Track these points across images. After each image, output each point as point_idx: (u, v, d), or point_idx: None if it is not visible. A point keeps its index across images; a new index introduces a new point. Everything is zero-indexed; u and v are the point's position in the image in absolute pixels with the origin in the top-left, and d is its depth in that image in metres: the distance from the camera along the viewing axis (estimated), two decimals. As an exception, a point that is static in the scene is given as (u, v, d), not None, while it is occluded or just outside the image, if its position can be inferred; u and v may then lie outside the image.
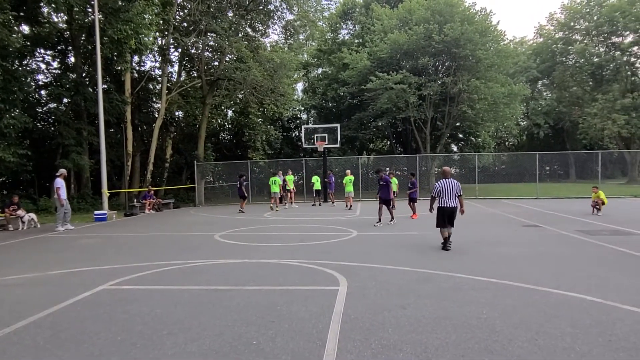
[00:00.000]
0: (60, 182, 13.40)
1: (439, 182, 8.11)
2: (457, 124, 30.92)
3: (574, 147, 43.81)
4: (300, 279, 6.15)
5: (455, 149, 40.91)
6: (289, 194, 20.44)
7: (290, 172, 21.57)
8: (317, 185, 21.32)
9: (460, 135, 37.51)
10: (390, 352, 3.59)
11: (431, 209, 8.50)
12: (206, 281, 6.15)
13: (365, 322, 4.29)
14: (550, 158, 42.49)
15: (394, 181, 15.03)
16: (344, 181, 18.81)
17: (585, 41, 39.64)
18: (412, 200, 14.29)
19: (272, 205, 18.74)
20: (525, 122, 47.08)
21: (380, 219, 12.30)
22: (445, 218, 8.05)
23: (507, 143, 54.81)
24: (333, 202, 21.33)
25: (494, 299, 4.97)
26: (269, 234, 11.10)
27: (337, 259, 7.43)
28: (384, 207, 12.36)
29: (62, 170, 14.07)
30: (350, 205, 18.40)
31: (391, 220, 12.41)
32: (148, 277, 6.51)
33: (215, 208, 21.36)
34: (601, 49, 39.58)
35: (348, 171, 19.09)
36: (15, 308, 5.07)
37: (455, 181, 8.01)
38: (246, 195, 19.00)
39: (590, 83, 41.11)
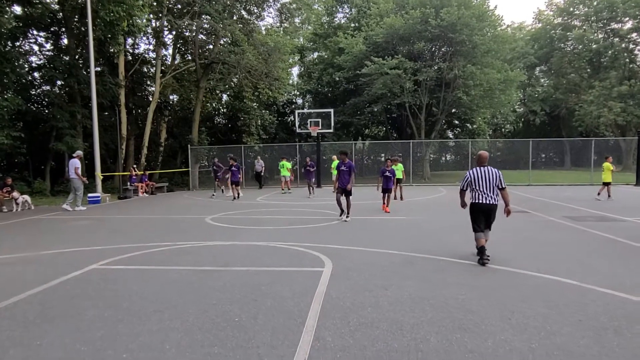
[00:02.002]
0: (76, 162, 13.78)
1: (471, 170, 6.20)
2: (453, 110, 30.93)
3: (569, 135, 43.90)
4: (287, 261, 6.28)
5: (450, 135, 40.98)
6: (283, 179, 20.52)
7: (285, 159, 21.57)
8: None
9: (456, 122, 37.55)
10: (367, 329, 3.72)
11: (463, 204, 6.50)
12: (194, 262, 6.28)
13: (346, 302, 4.42)
14: (546, 145, 42.60)
15: (400, 168, 14.52)
16: (332, 165, 18.67)
17: (584, 27, 39.49)
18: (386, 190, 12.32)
19: (283, 188, 19.44)
20: (521, 109, 47.08)
21: (344, 211, 10.46)
22: (481, 219, 6.09)
23: (503, 130, 54.87)
24: (310, 194, 18.00)
25: (474, 281, 5.11)
26: (260, 218, 11.22)
27: (324, 242, 7.56)
28: (344, 197, 10.40)
29: (79, 152, 14.64)
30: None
31: (346, 217, 10.36)
32: (138, 258, 6.63)
33: (209, 192, 21.44)
34: (600, 36, 39.45)
35: (334, 156, 19.00)
36: (6, 286, 5.18)
37: (495, 170, 6.08)
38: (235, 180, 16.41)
39: (588, 70, 41.07)
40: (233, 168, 16.13)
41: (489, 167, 6.13)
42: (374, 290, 4.81)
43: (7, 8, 17.83)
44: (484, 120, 36.03)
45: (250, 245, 7.52)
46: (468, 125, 37.41)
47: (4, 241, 8.46)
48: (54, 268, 6.01)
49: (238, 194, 16.47)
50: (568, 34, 40.66)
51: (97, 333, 3.73)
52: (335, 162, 17.21)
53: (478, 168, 6.15)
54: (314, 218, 10.95)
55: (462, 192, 6.39)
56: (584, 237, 7.99)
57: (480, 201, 6.06)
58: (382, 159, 38.16)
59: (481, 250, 5.89)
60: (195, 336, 3.62)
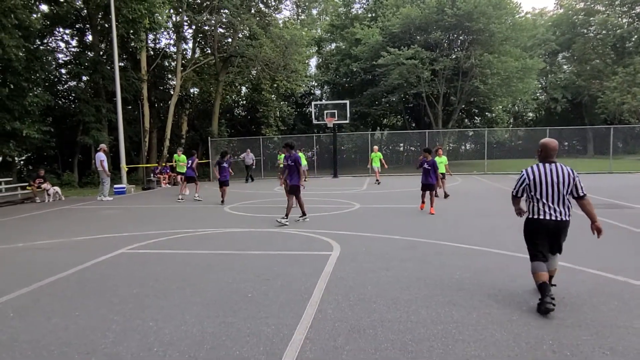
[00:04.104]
0: (102, 156, 14.56)
1: (530, 168, 4.15)
2: (471, 99, 30.78)
3: (592, 122, 43.01)
4: (298, 246, 6.74)
5: (469, 124, 40.68)
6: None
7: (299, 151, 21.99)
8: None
9: (475, 111, 37.27)
10: (365, 304, 4.13)
11: (519, 211, 4.49)
12: (213, 246, 6.80)
13: (349, 281, 4.84)
14: (569, 133, 41.89)
15: (444, 160, 12.72)
16: (370, 156, 19.13)
17: (607, 12, 38.47)
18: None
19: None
20: (543, 97, 46.28)
21: (304, 213, 9.22)
22: (544, 242, 4.13)
23: (524, 118, 54.01)
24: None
25: (470, 263, 5.46)
26: (276, 207, 11.69)
27: (335, 229, 7.99)
28: (295, 197, 9.08)
29: (103, 145, 15.37)
30: (377, 179, 18.36)
31: (302, 217, 9.14)
32: (162, 243, 7.19)
33: (238, 182, 22.05)
34: (624, 20, 38.40)
35: (375, 147, 19.36)
36: (47, 266, 5.78)
37: (567, 169, 4.04)
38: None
39: (612, 55, 40.02)
40: (224, 164, 12.61)
41: (558, 164, 4.07)
42: (376, 271, 5.21)
43: (35, 8, 18.68)
44: (503, 108, 35.68)
45: (264, 231, 8.01)
46: (487, 114, 37.09)
47: (40, 229, 9.16)
48: (87, 252, 6.61)
49: (223, 198, 12.65)
50: (591, 19, 39.68)
51: (127, 306, 4.24)
52: (282, 156, 16.06)
53: (541, 165, 4.09)
54: (328, 207, 11.37)
55: (516, 200, 4.38)
56: (586, 222, 8.16)
57: (544, 217, 4.05)
58: (401, 148, 38.27)
59: (543, 289, 3.87)
60: (212, 309, 4.10)
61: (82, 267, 5.74)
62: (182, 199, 13.83)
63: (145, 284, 4.92)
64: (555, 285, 4.19)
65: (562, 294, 4.29)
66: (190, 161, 14.21)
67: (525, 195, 4.24)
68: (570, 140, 45.43)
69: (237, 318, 3.85)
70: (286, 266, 5.51)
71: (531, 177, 4.10)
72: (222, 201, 12.49)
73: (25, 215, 11.43)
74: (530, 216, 4.18)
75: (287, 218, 8.67)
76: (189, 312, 4.03)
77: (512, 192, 4.35)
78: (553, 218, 4.03)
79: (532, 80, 29.33)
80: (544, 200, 4.04)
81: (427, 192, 9.95)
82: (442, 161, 12.59)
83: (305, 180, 19.57)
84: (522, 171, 4.24)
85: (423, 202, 10.12)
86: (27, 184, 15.70)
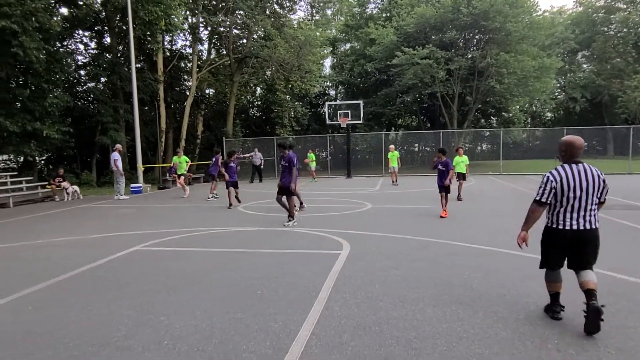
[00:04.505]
0: (116, 155, 14.93)
1: (556, 170, 3.57)
2: (487, 99, 30.45)
3: (612, 122, 42.12)
4: (309, 244, 6.79)
5: (485, 124, 40.24)
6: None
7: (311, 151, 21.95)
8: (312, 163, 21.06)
9: (491, 110, 36.86)
10: (372, 302, 4.16)
11: (526, 228, 3.77)
12: (225, 245, 6.90)
13: (357, 280, 4.87)
14: (588, 133, 41.08)
15: (465, 160, 12.24)
16: (388, 156, 18.62)
17: (628, 9, 37.68)
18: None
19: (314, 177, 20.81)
20: (561, 96, 45.52)
21: (292, 216, 8.75)
22: (564, 254, 3.69)
23: (542, 117, 53.15)
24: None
25: (481, 264, 5.44)
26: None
27: (346, 228, 8.02)
28: (285, 198, 8.81)
29: (118, 145, 15.80)
30: (395, 180, 17.95)
31: (289, 220, 8.66)
32: (175, 241, 7.32)
33: (242, 182, 22.25)
34: (646, 18, 37.53)
35: (392, 147, 18.84)
36: (63, 263, 5.94)
37: (595, 170, 3.54)
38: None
39: (633, 54, 39.21)
40: (231, 164, 12.09)
41: (585, 164, 3.54)
42: (385, 270, 5.23)
43: (55, 11, 19.12)
44: (520, 108, 35.18)
45: (276, 230, 8.08)
46: (504, 114, 36.66)
47: (59, 227, 9.41)
48: (102, 249, 6.77)
49: (230, 201, 11.95)
50: (611, 17, 38.87)
51: (139, 301, 4.35)
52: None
53: (567, 167, 3.55)
54: (340, 206, 11.40)
55: (539, 209, 3.64)
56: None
57: (565, 227, 3.56)
58: (416, 149, 38.06)
59: (554, 299, 3.76)
60: (221, 305, 4.18)
61: (97, 263, 5.89)
62: (212, 199, 13.84)
63: (157, 281, 5.03)
64: (604, 306, 3.35)
65: (572, 296, 4.25)
66: (215, 159, 14.61)
67: (550, 200, 3.58)
68: (589, 141, 44.50)
69: (245, 314, 3.92)
70: (296, 264, 5.56)
71: (558, 180, 3.51)
72: (230, 205, 11.63)
73: (45, 214, 11.74)
74: (551, 225, 3.66)
75: (293, 219, 8.67)
76: (199, 307, 4.12)
77: (536, 197, 3.59)
78: (580, 227, 3.51)
79: (550, 80, 28.91)
80: (571, 207, 3.51)
81: (444, 195, 9.48)
82: (462, 161, 12.19)
83: (313, 181, 19.83)
84: (546, 174, 3.62)
85: (443, 208, 9.38)
86: (47, 183, 16.10)
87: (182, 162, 15.72)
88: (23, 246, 7.27)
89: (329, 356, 3.07)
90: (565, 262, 3.74)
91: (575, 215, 3.52)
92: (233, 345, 3.29)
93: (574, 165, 3.52)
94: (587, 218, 3.53)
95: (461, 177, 12.29)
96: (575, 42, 40.37)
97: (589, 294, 3.40)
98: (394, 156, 17.86)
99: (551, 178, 3.54)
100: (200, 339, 3.43)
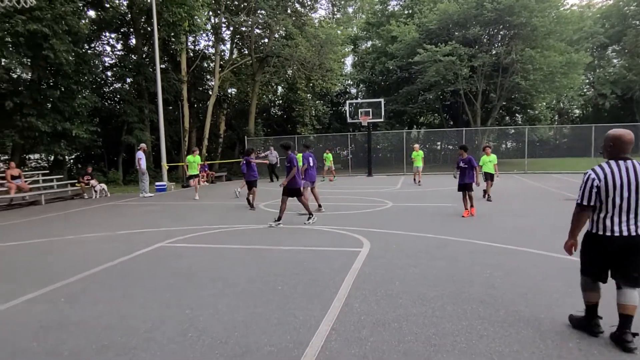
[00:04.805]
0: (140, 154, 15.31)
1: (599, 167, 3.19)
2: (512, 96, 29.86)
3: (644, 119, 40.81)
4: (329, 242, 6.85)
5: (510, 122, 39.50)
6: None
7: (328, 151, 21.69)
8: (328, 162, 20.80)
9: (516, 108, 36.13)
10: (392, 299, 4.19)
11: (572, 243, 3.44)
12: (246, 241, 7.02)
13: (377, 277, 4.90)
14: (618, 131, 39.89)
15: (493, 159, 11.73)
16: (412, 156, 17.72)
17: (661, 2, 36.40)
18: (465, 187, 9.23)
19: (323, 177, 20.61)
20: (590, 92, 44.27)
21: (280, 217, 8.47)
22: (609, 262, 3.24)
23: (570, 115, 51.80)
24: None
25: (502, 262, 5.39)
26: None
27: (366, 226, 8.04)
28: (291, 199, 8.71)
29: (142, 145, 16.21)
30: (419, 180, 17.19)
31: (276, 221, 8.41)
32: (199, 238, 7.49)
33: (264, 181, 22.48)
34: (679, 11, 36.20)
35: (416, 146, 17.95)
36: (93, 257, 6.16)
37: None
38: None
39: (667, 48, 37.83)
40: (251, 160, 11.51)
41: (634, 161, 3.15)
42: (405, 267, 5.25)
43: (84, 14, 19.69)
44: (547, 105, 34.35)
45: (297, 228, 8.17)
46: (529, 111, 35.87)
47: (88, 223, 9.73)
48: (129, 245, 6.98)
49: (252, 201, 11.24)
50: (643, 9, 37.62)
51: (165, 294, 4.49)
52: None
53: (614, 163, 3.15)
54: (361, 205, 11.42)
55: (584, 214, 3.25)
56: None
57: (612, 233, 3.14)
58: (438, 147, 37.64)
59: (591, 311, 3.36)
60: (243, 299, 4.28)
61: (125, 258, 6.09)
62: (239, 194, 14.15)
63: (181, 275, 5.18)
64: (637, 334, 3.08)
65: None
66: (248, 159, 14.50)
67: (596, 201, 3.16)
68: (619, 138, 43.17)
69: (266, 309, 4.00)
70: (316, 261, 5.63)
71: (602, 178, 3.09)
72: (252, 206, 11.05)
73: (75, 210, 12.14)
74: (594, 230, 3.23)
75: (312, 216, 8.69)
76: (222, 302, 4.23)
77: (578, 200, 3.22)
78: (627, 233, 3.08)
79: (578, 76, 28.14)
80: (617, 210, 3.08)
81: (468, 194, 9.07)
82: (490, 160, 11.71)
83: (332, 180, 19.87)
84: (587, 172, 3.21)
85: (465, 208, 9.07)
86: (76, 181, 16.62)
87: (194, 162, 14.63)
88: (55, 241, 7.56)
89: (349, 350, 3.12)
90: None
91: (624, 218, 3.09)
92: (254, 338, 3.38)
93: (621, 162, 3.11)
94: (638, 223, 3.10)
95: (489, 177, 11.75)
96: (605, 37, 39.18)
97: (625, 320, 3.07)
98: (418, 155, 17.19)
99: (593, 176, 3.14)
100: (223, 331, 3.53)
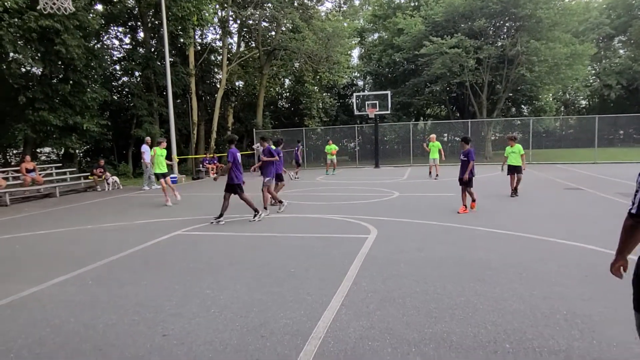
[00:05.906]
0: (145, 147, 15.64)
1: None
2: (518, 87, 29.91)
3: (651, 109, 40.58)
4: (338, 229, 7.19)
5: (515, 113, 39.48)
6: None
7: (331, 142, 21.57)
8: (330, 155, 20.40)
9: (521, 99, 36.13)
10: (397, 279, 4.52)
11: (620, 263, 2.48)
12: (260, 229, 7.37)
13: (384, 260, 5.23)
14: (624, 121, 39.74)
15: (518, 150, 10.63)
16: (428, 147, 16.65)
17: (669, -9, 36.09)
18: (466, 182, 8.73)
19: (327, 170, 20.63)
20: (596, 83, 44.08)
21: (262, 209, 8.71)
22: None
23: (576, 105, 51.58)
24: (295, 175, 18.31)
25: (502, 246, 5.71)
26: (319, 195, 12.20)
27: (374, 215, 8.37)
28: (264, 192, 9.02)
29: (147, 138, 16.50)
30: (437, 174, 16.11)
31: (256, 216, 8.37)
32: (213, 226, 7.85)
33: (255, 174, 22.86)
34: (687, 0, 35.89)
35: (433, 136, 16.76)
36: (115, 244, 6.54)
37: None
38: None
39: (674, 38, 37.57)
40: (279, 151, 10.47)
41: None
42: (410, 251, 5.57)
43: (93, 10, 19.99)
44: (553, 96, 34.30)
45: (307, 217, 8.51)
46: (535, 102, 35.87)
47: (105, 213, 10.14)
48: (148, 233, 7.35)
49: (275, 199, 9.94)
50: (651, -1, 37.32)
51: (186, 277, 4.85)
52: (433, 144, 16.23)
53: None
54: (369, 195, 11.73)
55: (636, 229, 2.28)
56: (625, 211, 8.10)
57: None
58: (445, 139, 37.79)
59: None
60: (259, 281, 4.62)
61: (145, 245, 6.46)
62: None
63: (200, 260, 5.53)
64: None
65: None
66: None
67: None
68: (626, 129, 43.07)
69: (281, 288, 4.35)
70: (326, 247, 5.97)
71: None
72: (280, 202, 9.81)
73: (90, 202, 12.56)
74: None
75: (259, 213, 8.40)
76: (240, 283, 4.57)
77: (630, 209, 2.26)
78: None
79: (583, 67, 28.11)
80: None
81: (467, 189, 8.67)
82: (514, 151, 10.60)
83: (333, 173, 19.99)
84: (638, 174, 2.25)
85: (463, 204, 8.64)
86: (89, 173, 17.05)
87: (161, 155, 11.55)
88: (77, 231, 7.95)
89: (357, 322, 3.46)
90: None
91: None
92: (272, 313, 3.72)
93: None
94: None
95: (513, 169, 10.63)
96: (610, 27, 38.96)
97: None
98: (434, 147, 16.09)
99: None
100: (242, 307, 3.87)
